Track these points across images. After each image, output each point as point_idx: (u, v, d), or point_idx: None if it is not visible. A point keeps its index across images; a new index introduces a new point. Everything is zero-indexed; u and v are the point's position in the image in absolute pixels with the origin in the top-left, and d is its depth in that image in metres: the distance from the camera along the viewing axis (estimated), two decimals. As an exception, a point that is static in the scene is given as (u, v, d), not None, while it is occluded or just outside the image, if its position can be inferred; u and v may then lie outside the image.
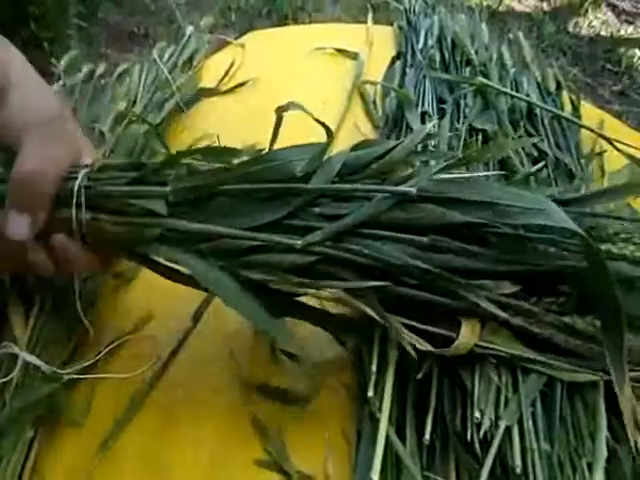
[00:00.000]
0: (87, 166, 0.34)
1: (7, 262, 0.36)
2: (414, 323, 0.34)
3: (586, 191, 0.49)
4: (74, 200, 0.33)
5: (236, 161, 0.35)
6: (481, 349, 0.34)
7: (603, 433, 0.31)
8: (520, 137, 0.56)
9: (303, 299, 0.36)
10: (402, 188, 0.33)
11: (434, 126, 0.55)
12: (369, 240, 0.33)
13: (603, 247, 0.34)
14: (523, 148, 0.53)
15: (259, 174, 0.34)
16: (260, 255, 0.33)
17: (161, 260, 0.34)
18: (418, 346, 0.33)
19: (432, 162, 0.40)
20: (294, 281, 0.33)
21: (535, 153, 0.54)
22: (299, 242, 0.32)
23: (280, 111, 0.39)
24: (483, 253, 0.33)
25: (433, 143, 0.53)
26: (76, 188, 0.33)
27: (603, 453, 0.31)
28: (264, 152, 0.35)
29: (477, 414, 0.32)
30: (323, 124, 0.39)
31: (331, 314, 0.37)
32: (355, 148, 0.36)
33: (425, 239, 0.32)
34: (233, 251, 0.33)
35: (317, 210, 0.33)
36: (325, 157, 0.35)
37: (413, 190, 0.32)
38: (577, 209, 0.35)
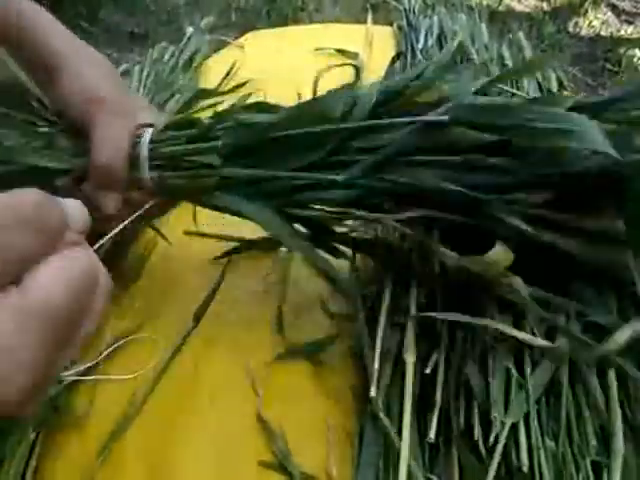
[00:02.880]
0: (149, 125, 0.37)
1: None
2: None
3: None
4: (141, 162, 0.36)
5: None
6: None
7: (619, 433, 0.31)
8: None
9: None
10: (434, 118, 0.33)
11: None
12: (404, 168, 0.34)
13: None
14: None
15: (299, 121, 0.35)
16: (305, 193, 0.35)
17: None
18: (450, 262, 0.34)
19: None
20: (337, 215, 0.36)
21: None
22: (339, 177, 0.34)
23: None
24: (515, 168, 0.33)
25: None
26: (145, 154, 0.36)
27: (620, 451, 0.31)
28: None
29: (495, 414, 0.32)
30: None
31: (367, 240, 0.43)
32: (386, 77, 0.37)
33: (457, 158, 0.33)
34: (281, 192, 0.35)
35: (356, 145, 0.34)
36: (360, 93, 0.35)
37: (445, 118, 0.32)
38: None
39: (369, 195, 0.35)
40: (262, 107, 0.38)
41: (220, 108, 0.43)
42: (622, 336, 0.33)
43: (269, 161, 0.35)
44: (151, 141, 0.36)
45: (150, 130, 0.37)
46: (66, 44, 0.38)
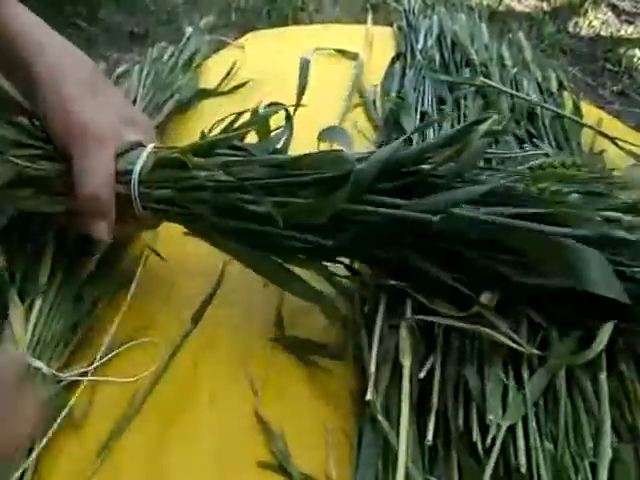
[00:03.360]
0: (136, 143, 0.37)
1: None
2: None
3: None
4: (133, 198, 0.37)
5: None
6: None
7: (608, 433, 0.31)
8: (521, 138, 0.56)
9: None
10: (424, 216, 0.33)
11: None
12: (392, 245, 0.35)
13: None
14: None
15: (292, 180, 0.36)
16: (294, 250, 0.37)
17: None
18: (442, 309, 0.36)
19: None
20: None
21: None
22: (328, 243, 0.35)
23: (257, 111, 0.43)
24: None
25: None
26: (136, 194, 0.37)
27: (607, 453, 0.31)
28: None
29: (491, 416, 0.32)
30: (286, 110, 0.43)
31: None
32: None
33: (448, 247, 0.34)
34: (270, 244, 0.37)
35: (349, 215, 0.35)
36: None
37: (436, 218, 0.33)
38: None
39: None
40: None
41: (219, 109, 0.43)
42: (604, 335, 0.34)
43: (259, 215, 0.35)
44: (139, 181, 0.37)
45: (139, 164, 0.36)
46: (43, 40, 0.36)
